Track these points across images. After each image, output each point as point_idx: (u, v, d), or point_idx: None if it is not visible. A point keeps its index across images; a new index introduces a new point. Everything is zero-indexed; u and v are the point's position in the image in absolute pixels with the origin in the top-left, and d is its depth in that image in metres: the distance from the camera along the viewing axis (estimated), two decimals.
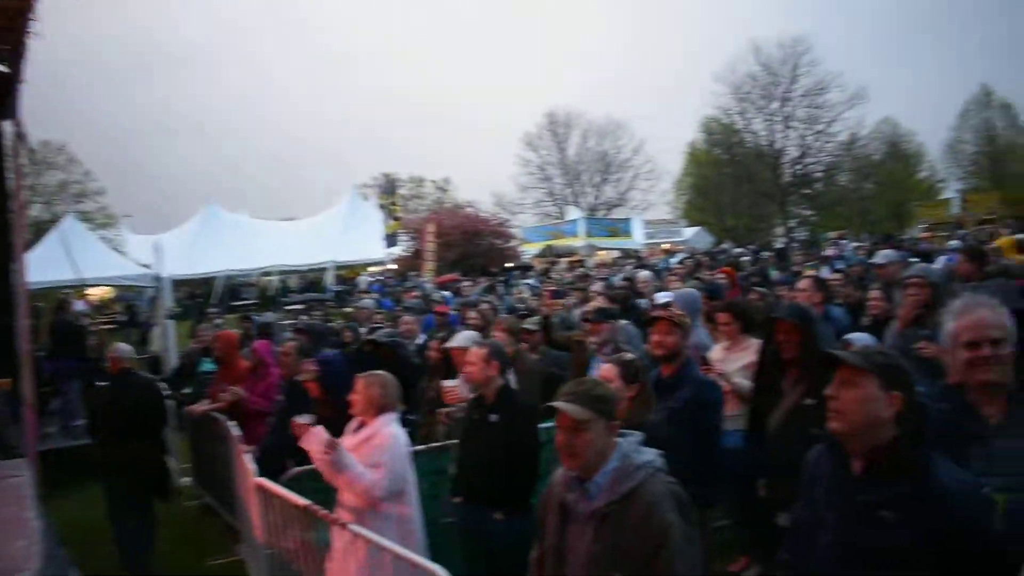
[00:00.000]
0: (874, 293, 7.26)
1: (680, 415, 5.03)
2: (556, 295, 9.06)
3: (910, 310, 5.30)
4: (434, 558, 4.29)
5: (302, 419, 4.75)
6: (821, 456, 2.92)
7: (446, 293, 17.20)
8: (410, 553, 4.10)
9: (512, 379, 5.91)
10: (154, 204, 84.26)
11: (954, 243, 18.10)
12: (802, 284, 6.83)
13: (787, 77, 52.17)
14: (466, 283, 17.60)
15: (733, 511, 6.43)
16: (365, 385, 5.01)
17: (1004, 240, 14.08)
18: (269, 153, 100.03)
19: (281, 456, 6.02)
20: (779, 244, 37.37)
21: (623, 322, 7.50)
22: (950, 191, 52.17)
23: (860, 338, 5.37)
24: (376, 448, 4.84)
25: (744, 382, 5.90)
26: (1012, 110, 54.16)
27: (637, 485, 3.07)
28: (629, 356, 4.68)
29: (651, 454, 3.21)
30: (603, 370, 4.53)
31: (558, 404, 3.16)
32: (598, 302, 8.28)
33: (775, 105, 52.74)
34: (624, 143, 57.78)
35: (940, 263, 12.19)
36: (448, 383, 6.24)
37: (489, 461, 5.05)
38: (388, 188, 32.46)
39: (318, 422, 4.85)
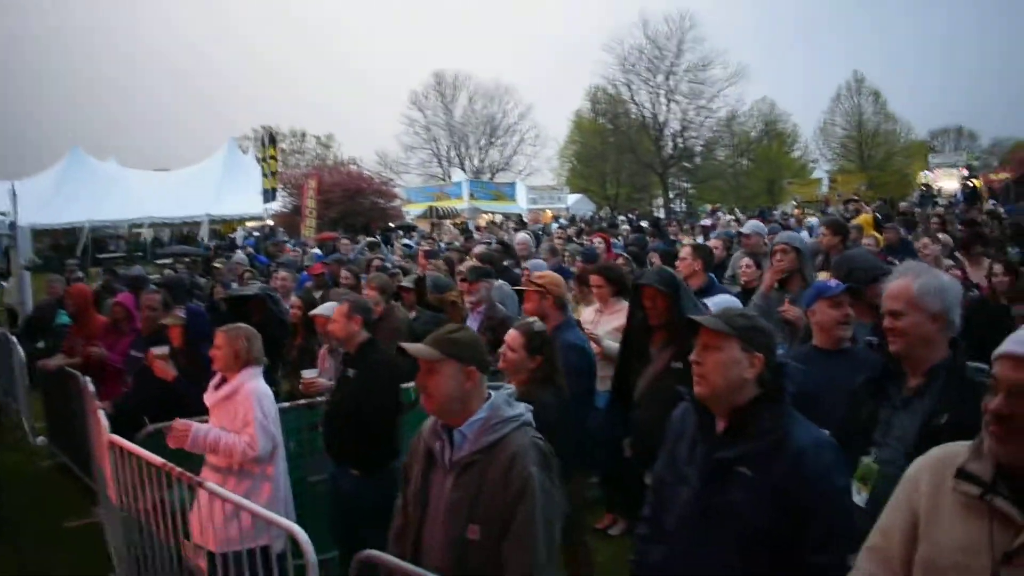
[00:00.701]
0: (744, 261, 7.45)
1: None
2: (430, 255, 8.98)
3: (775, 275, 5.47)
4: (302, 517, 4.20)
5: (157, 350, 4.53)
6: (685, 415, 2.95)
7: (316, 251, 16.88)
8: (269, 512, 3.99)
9: None
10: (10, 148, 79.30)
11: (812, 220, 18.92)
12: (681, 253, 6.94)
13: (672, 52, 53.26)
14: (344, 241, 17.24)
15: (599, 470, 6.55)
16: (229, 339, 4.84)
17: (864, 218, 14.77)
18: (141, 98, 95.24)
19: (139, 413, 5.76)
20: (659, 214, 38.31)
21: (499, 282, 7.50)
22: (820, 171, 54.65)
23: (723, 300, 5.47)
24: (242, 405, 4.70)
25: (613, 344, 5.99)
26: (880, 98, 56.87)
27: (502, 437, 3.06)
28: (539, 326, 4.60)
29: (521, 407, 3.20)
30: (509, 336, 4.43)
31: (407, 345, 3.17)
32: (473, 262, 8.24)
33: (660, 78, 53.81)
34: (511, 107, 57.81)
35: (807, 236, 12.69)
36: (307, 374, 6.07)
37: (346, 417, 4.99)
38: (268, 141, 31.33)
39: (178, 372, 4.67)
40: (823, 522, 2.55)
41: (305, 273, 11.21)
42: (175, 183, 35.19)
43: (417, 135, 57.92)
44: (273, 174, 29.77)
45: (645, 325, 4.75)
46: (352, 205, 33.77)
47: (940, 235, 10.33)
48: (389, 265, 11.07)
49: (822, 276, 5.70)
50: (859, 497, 2.92)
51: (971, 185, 38.10)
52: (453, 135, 58.02)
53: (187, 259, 20.63)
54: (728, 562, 2.64)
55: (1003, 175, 41.83)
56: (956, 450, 2.07)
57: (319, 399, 5.74)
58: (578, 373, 5.13)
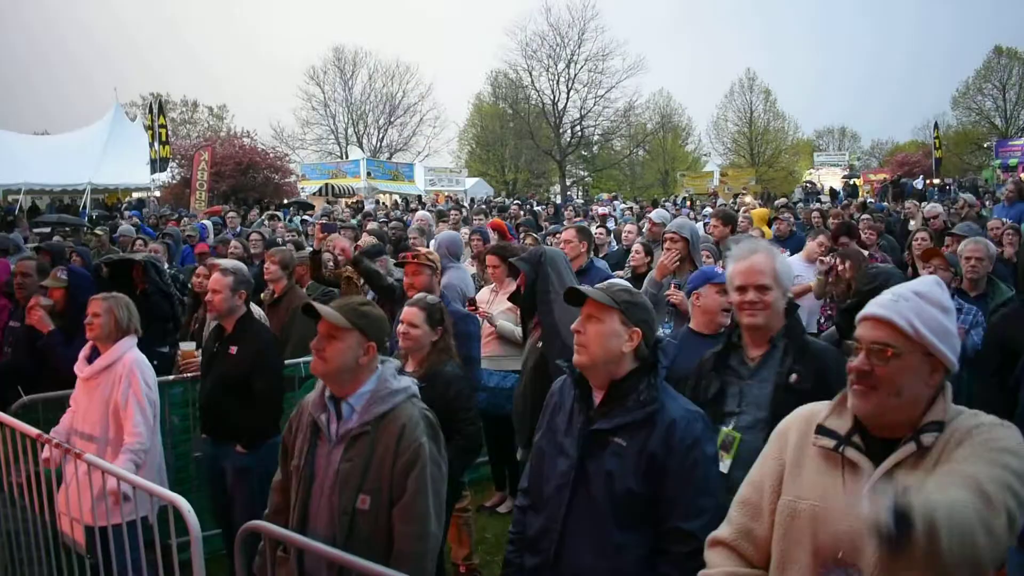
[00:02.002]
0: (636, 247, 7.65)
1: None
2: (326, 229, 8.87)
3: (667, 263, 5.64)
4: (186, 493, 4.12)
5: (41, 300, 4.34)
6: (564, 387, 3.03)
7: (207, 222, 16.40)
8: (150, 483, 3.90)
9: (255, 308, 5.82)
10: None
11: (708, 210, 19.49)
12: (566, 235, 7.08)
13: (574, 40, 53.63)
14: (232, 215, 16.77)
15: (489, 448, 6.64)
16: (110, 307, 4.70)
17: (759, 212, 15.23)
18: (20, 59, 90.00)
19: (12, 383, 5.53)
20: (556, 200, 38.73)
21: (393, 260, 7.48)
22: (712, 165, 56.16)
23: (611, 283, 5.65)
24: (124, 376, 4.57)
25: (506, 324, 6.09)
26: (771, 96, 58.72)
27: (391, 409, 3.11)
28: (433, 299, 4.64)
29: (407, 381, 3.25)
30: (407, 314, 4.45)
31: (318, 305, 3.18)
32: (369, 239, 8.19)
33: (561, 66, 54.12)
34: (412, 87, 57.18)
35: (700, 226, 13.05)
36: (185, 346, 5.93)
37: (228, 393, 4.92)
38: (156, 110, 30.13)
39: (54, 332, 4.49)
40: (692, 489, 2.69)
41: (189, 246, 10.95)
42: (55, 148, 33.31)
43: (315, 110, 56.61)
44: (162, 144, 28.69)
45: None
46: (244, 180, 32.92)
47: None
48: (280, 240, 10.91)
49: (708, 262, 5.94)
50: (723, 464, 3.08)
51: (852, 184, 39.95)
52: (352, 112, 56.94)
53: (66, 228, 19.72)
54: (603, 529, 2.74)
55: (882, 175, 43.95)
56: (819, 408, 2.23)
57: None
58: (470, 337, 5.40)
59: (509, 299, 5.41)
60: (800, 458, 2.18)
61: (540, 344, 4.63)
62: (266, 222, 15.69)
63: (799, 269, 7.04)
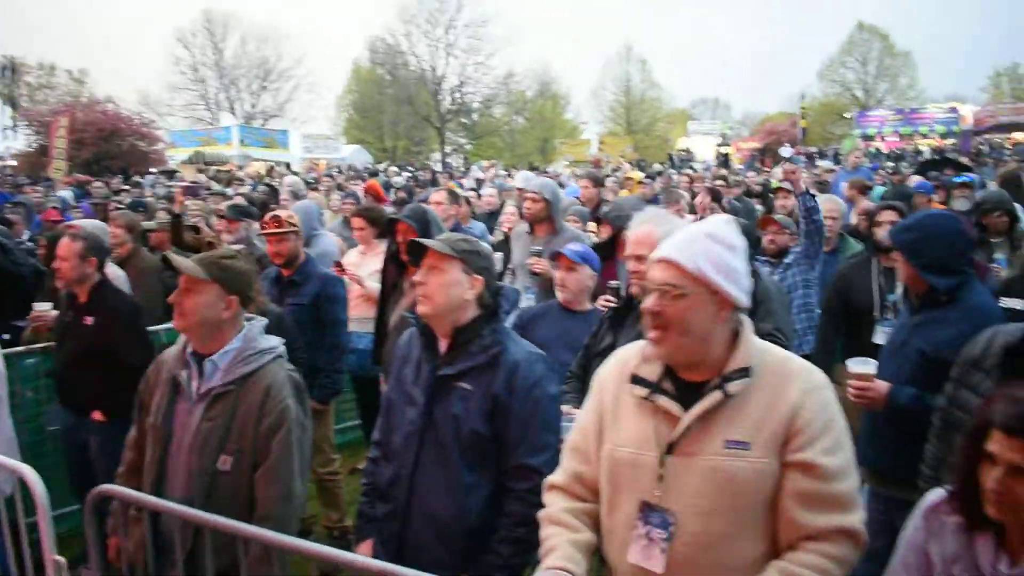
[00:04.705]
0: (509, 209, 7.73)
1: (306, 310, 5.18)
2: (189, 191, 8.59)
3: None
4: (41, 469, 3.96)
5: None
6: (412, 338, 3.08)
7: (65, 193, 15.64)
8: None
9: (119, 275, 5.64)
10: None
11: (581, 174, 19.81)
12: (436, 197, 7.10)
13: (453, 5, 53.24)
14: (97, 184, 16.07)
15: (359, 410, 6.64)
16: None
17: (633, 175, 15.63)
18: None
19: None
20: (436, 167, 38.52)
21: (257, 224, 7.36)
22: (590, 133, 56.97)
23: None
24: None
25: (376, 284, 6.06)
26: (647, 65, 59.86)
27: (257, 368, 3.07)
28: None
29: (275, 340, 3.21)
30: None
31: (173, 257, 3.12)
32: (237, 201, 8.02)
33: (439, 32, 53.71)
34: (286, 52, 55.55)
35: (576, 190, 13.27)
36: (39, 306, 5.68)
37: (85, 364, 4.74)
38: (10, 73, 28.41)
39: None
40: (535, 426, 2.81)
41: (38, 216, 10.43)
42: None
43: (183, 75, 54.34)
44: (16, 108, 27.10)
45: (398, 260, 4.86)
46: (108, 147, 31.43)
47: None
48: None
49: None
50: None
51: (724, 152, 41.28)
52: (223, 77, 54.84)
53: None
54: (451, 472, 2.82)
55: (752, 144, 45.57)
56: (631, 353, 2.32)
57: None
58: (339, 300, 5.47)
59: (391, 262, 5.30)
60: (617, 405, 2.27)
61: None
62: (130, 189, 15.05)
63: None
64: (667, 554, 2.08)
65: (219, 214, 7.31)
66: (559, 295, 4.25)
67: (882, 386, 3.31)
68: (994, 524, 2.00)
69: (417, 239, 3.04)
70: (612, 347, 3.41)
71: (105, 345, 4.69)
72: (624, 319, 3.55)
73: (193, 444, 3.02)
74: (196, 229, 6.75)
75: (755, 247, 5.82)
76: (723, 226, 2.22)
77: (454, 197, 7.08)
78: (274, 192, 10.99)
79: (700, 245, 2.13)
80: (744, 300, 2.15)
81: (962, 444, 2.08)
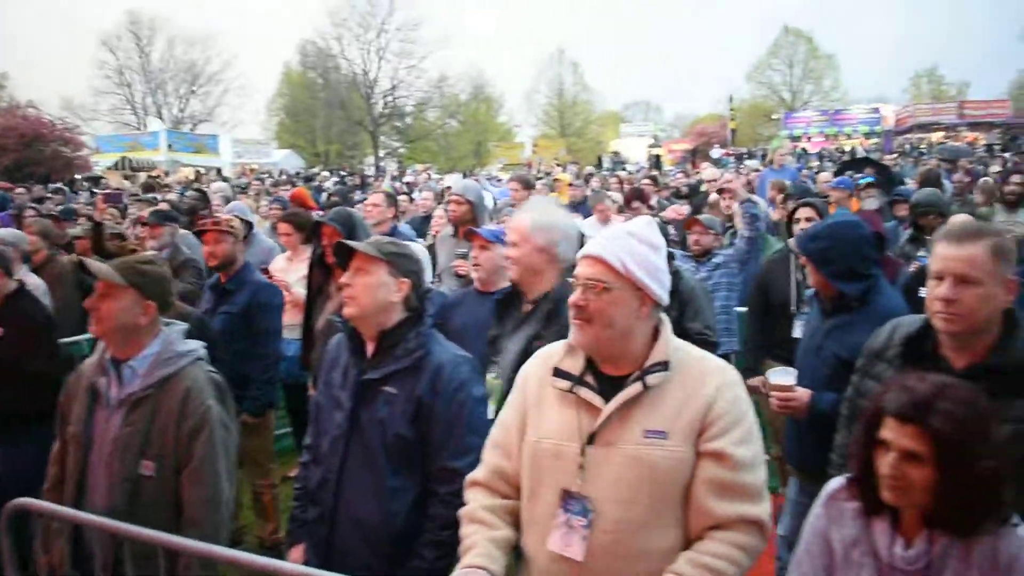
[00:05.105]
0: (438, 213, 7.74)
1: (237, 319, 5.08)
2: (110, 199, 8.38)
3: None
4: None
5: None
6: (340, 343, 3.09)
7: None
8: None
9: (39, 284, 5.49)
10: None
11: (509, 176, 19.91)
12: (373, 199, 7.09)
13: (384, 8, 52.93)
14: (20, 191, 15.59)
15: (291, 419, 6.57)
16: None
17: (563, 177, 15.71)
18: None
19: None
20: (369, 172, 38.26)
21: (183, 231, 7.23)
22: (524, 135, 57.21)
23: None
24: None
25: (303, 290, 6.01)
26: (579, 69, 60.33)
27: (176, 371, 3.05)
28: None
29: (195, 344, 3.18)
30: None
31: (89, 262, 3.09)
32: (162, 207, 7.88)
33: (371, 35, 53.34)
34: (215, 55, 54.55)
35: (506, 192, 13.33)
36: None
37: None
38: None
39: None
40: (460, 429, 2.82)
41: None
42: None
43: (108, 79, 52.97)
44: None
45: (324, 264, 4.83)
46: (30, 153, 30.64)
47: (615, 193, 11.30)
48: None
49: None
50: (489, 410, 3.21)
51: (655, 154, 41.83)
52: (150, 81, 53.62)
53: None
54: (377, 476, 2.82)
55: (683, 145, 46.28)
56: (555, 349, 2.40)
57: None
58: (272, 308, 5.31)
59: (316, 266, 5.23)
60: (541, 400, 2.33)
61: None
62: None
63: (592, 231, 7.35)
64: (587, 541, 2.13)
65: (142, 221, 7.16)
66: (474, 275, 4.21)
67: (804, 395, 3.43)
68: (890, 509, 2.09)
69: (345, 241, 3.04)
70: (497, 338, 3.50)
71: (15, 357, 4.55)
72: (507, 309, 3.58)
73: (113, 451, 2.98)
74: (122, 236, 6.62)
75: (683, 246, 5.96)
76: (646, 226, 2.32)
77: (391, 200, 7.05)
78: (204, 197, 10.79)
79: (625, 243, 2.23)
80: (665, 298, 2.26)
81: (858, 432, 2.17)
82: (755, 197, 7.48)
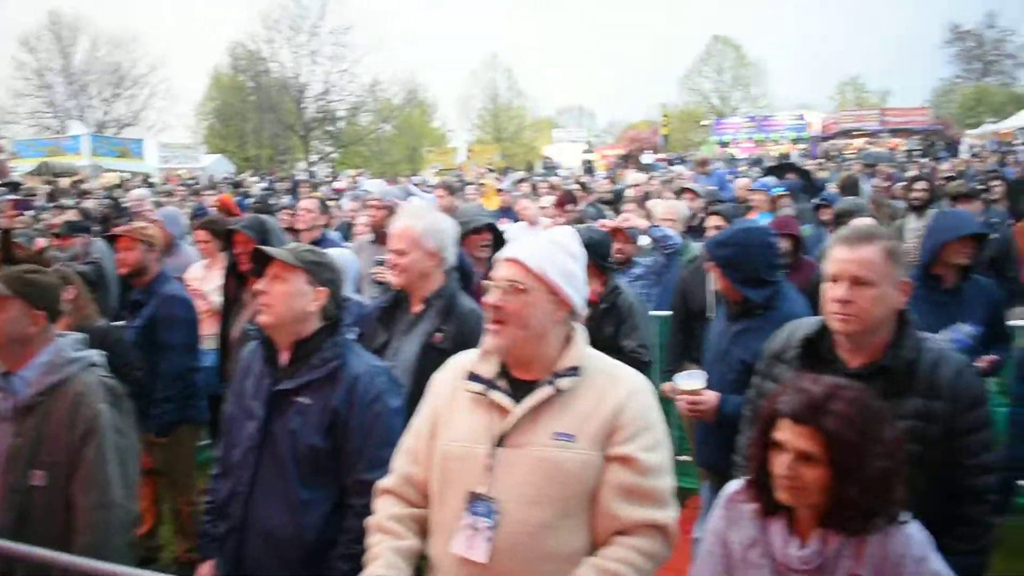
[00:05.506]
0: (361, 220, 7.68)
1: (142, 332, 4.91)
2: (20, 205, 8.07)
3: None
4: None
5: None
6: (254, 352, 3.04)
7: None
8: None
9: None
10: None
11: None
12: (307, 204, 7.00)
13: (316, 11, 52.33)
14: None
15: (212, 431, 6.43)
16: None
17: (488, 182, 15.75)
18: None
19: None
20: (300, 177, 37.74)
21: (97, 239, 7.04)
22: (458, 140, 57.11)
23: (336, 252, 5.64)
24: None
25: (220, 299, 5.90)
26: (513, 74, 60.54)
27: (66, 378, 2.98)
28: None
29: (89, 352, 3.12)
30: None
31: None
32: (72, 216, 7.64)
33: (303, 38, 52.66)
34: (140, 57, 53.24)
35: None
36: None
37: None
38: None
39: None
40: (375, 441, 2.79)
41: None
42: None
43: (28, 80, 51.31)
44: None
45: (237, 271, 4.75)
46: None
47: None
48: None
49: None
50: None
51: (588, 159, 42.14)
52: (72, 83, 52.08)
53: None
54: (289, 488, 2.78)
55: (616, 151, 46.71)
56: (470, 356, 2.40)
57: None
58: (178, 322, 5.06)
59: (230, 274, 5.10)
60: (452, 405, 2.34)
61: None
62: None
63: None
64: (491, 543, 2.13)
65: (53, 231, 6.94)
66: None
67: (711, 398, 3.51)
68: (786, 509, 2.14)
69: (262, 247, 3.00)
70: (386, 344, 3.53)
71: None
72: (394, 314, 3.63)
73: (6, 463, 2.90)
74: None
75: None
76: (566, 235, 2.37)
77: (324, 206, 6.95)
78: (117, 205, 10.48)
79: (544, 249, 2.28)
80: (580, 305, 2.30)
81: (754, 433, 2.21)
82: (671, 202, 7.58)
